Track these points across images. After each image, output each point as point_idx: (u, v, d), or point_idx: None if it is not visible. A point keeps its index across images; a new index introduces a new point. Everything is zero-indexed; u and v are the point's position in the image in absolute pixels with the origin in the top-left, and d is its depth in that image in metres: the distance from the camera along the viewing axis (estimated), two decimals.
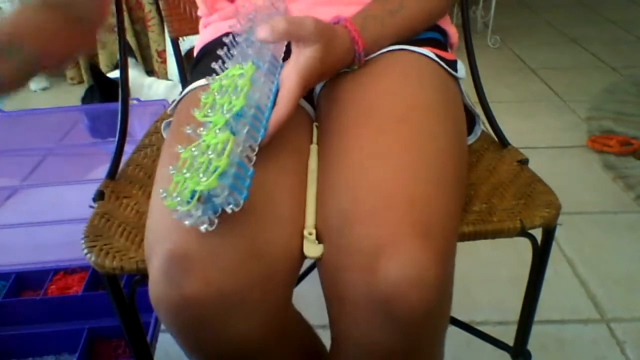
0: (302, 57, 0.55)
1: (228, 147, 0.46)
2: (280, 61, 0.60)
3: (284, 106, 0.53)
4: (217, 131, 0.47)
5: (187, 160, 0.47)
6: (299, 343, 0.62)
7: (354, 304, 0.48)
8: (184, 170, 0.45)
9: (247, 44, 0.56)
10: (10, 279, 1.13)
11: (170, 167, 0.46)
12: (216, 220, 0.45)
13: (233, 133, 0.48)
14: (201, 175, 0.44)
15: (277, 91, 0.55)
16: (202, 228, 0.44)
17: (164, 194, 0.44)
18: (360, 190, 0.50)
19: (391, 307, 0.46)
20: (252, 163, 0.48)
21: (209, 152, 0.46)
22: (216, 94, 0.52)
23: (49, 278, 1.13)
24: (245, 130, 0.49)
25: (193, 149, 0.47)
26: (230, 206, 0.44)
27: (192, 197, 0.43)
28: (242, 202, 0.45)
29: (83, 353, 0.96)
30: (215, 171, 0.44)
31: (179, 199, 0.44)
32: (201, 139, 0.48)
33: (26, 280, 1.15)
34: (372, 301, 0.46)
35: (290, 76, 0.54)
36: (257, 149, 0.50)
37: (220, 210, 0.45)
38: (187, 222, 0.44)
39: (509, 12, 3.13)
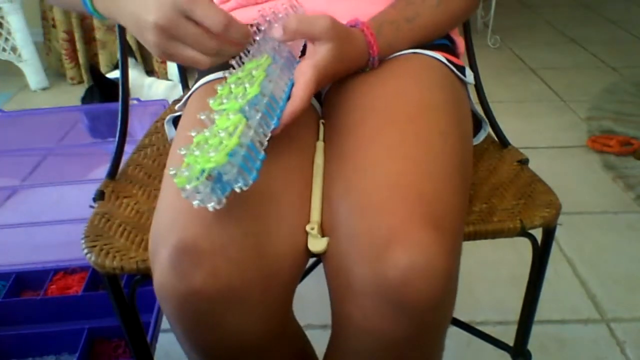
0: (317, 55, 0.55)
1: (239, 129, 0.47)
2: (297, 58, 0.61)
3: (298, 98, 0.53)
4: (230, 115, 0.48)
5: (199, 142, 0.47)
6: (294, 345, 0.62)
7: (360, 291, 0.48)
8: (194, 149, 0.46)
9: (263, 41, 0.57)
10: (10, 279, 1.13)
11: (182, 148, 0.46)
12: (224, 200, 0.45)
13: (246, 117, 0.48)
14: (211, 152, 0.45)
15: (293, 86, 0.55)
16: (210, 206, 0.44)
17: (173, 171, 0.44)
18: (370, 183, 0.51)
19: (398, 296, 0.46)
20: (264, 148, 0.49)
21: (220, 133, 0.46)
22: (232, 85, 0.52)
23: (49, 278, 1.13)
24: (258, 117, 0.49)
25: (205, 132, 0.47)
26: (239, 185, 0.45)
27: (201, 175, 0.44)
28: (251, 182, 0.46)
29: (83, 353, 0.96)
30: (225, 149, 0.45)
31: (186, 173, 0.44)
32: (214, 123, 0.48)
33: (26, 280, 1.15)
34: (380, 289, 0.47)
35: (306, 72, 0.54)
36: (269, 135, 0.51)
37: (229, 190, 0.45)
38: (195, 202, 0.44)
39: (509, 12, 3.13)
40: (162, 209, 0.54)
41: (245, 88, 0.51)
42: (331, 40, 0.55)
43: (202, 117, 0.49)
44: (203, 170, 0.44)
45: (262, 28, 0.58)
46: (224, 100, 0.51)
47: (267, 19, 0.59)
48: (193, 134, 0.47)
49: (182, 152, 0.46)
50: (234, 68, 0.55)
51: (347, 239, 0.49)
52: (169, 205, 0.52)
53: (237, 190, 0.45)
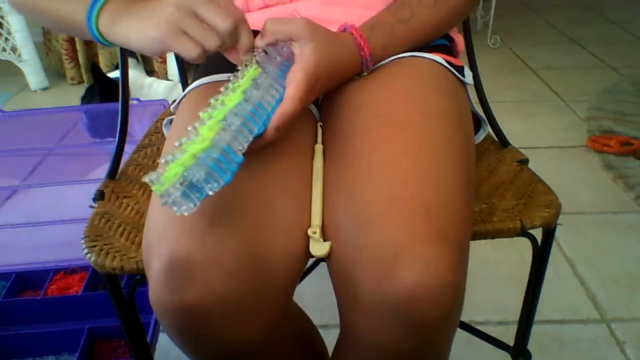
0: (303, 57, 0.54)
1: (213, 132, 0.47)
2: None
3: (288, 99, 0.52)
4: (206, 121, 0.48)
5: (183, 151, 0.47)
6: (298, 342, 0.62)
7: (367, 305, 0.48)
8: (170, 156, 0.45)
9: (260, 57, 0.57)
10: (10, 279, 1.13)
11: (162, 158, 0.46)
12: (198, 203, 0.44)
13: (225, 123, 0.48)
14: (177, 155, 0.45)
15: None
16: (183, 209, 0.44)
17: (147, 179, 0.44)
18: (374, 192, 0.50)
19: (406, 313, 0.45)
20: (243, 152, 0.48)
21: (193, 138, 0.46)
22: (220, 96, 0.52)
23: (49, 278, 1.13)
24: (238, 122, 0.49)
25: (184, 139, 0.47)
26: (209, 186, 0.44)
27: (174, 179, 0.44)
28: (223, 183, 0.45)
29: (83, 353, 0.96)
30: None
31: (154, 176, 0.43)
32: (197, 131, 0.48)
33: (26, 280, 1.15)
34: (387, 305, 0.46)
35: (295, 75, 0.53)
36: (250, 139, 0.50)
37: (204, 194, 0.45)
38: (174, 208, 0.44)
39: (509, 12, 3.13)
40: (152, 215, 0.53)
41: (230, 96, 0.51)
42: (311, 38, 0.55)
43: (189, 129, 0.48)
44: (177, 175, 0.44)
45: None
46: (209, 110, 0.51)
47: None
48: (177, 144, 0.47)
49: (162, 161, 0.46)
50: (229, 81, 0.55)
51: (352, 251, 0.49)
52: (159, 212, 0.52)
53: (209, 192, 0.45)
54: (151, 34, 0.52)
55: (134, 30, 0.54)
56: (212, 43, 0.52)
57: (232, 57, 0.57)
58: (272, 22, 0.56)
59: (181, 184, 0.44)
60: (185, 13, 0.51)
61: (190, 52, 0.51)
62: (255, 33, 0.57)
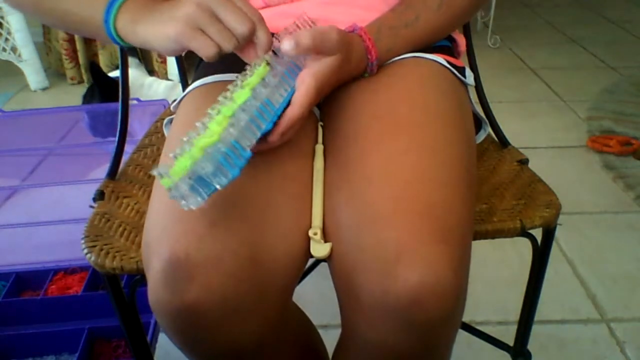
0: (320, 65, 0.54)
1: (222, 127, 0.47)
2: (302, 67, 0.60)
3: (297, 105, 0.53)
4: (214, 116, 0.48)
5: None
6: (296, 338, 0.62)
7: (369, 306, 0.48)
8: (178, 150, 0.45)
9: (266, 54, 0.57)
10: (10, 279, 1.13)
11: (169, 153, 0.46)
12: (206, 197, 0.45)
13: (233, 118, 0.48)
14: (186, 147, 0.45)
15: (294, 93, 0.55)
16: (191, 203, 0.44)
17: (156, 172, 0.44)
18: (376, 193, 0.50)
19: (408, 314, 0.45)
20: (251, 147, 0.49)
21: (202, 132, 0.47)
22: (229, 93, 0.53)
23: (49, 278, 1.13)
24: (247, 118, 0.49)
25: (193, 134, 0.47)
26: (217, 180, 0.45)
27: (182, 173, 0.44)
28: (231, 177, 0.45)
29: (83, 353, 0.96)
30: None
31: (163, 169, 0.44)
32: (205, 126, 0.49)
33: (26, 280, 1.15)
34: (389, 306, 0.46)
35: (306, 80, 0.53)
36: (259, 135, 0.50)
37: (213, 188, 0.45)
38: (182, 202, 0.44)
39: (509, 12, 3.13)
40: (152, 215, 0.53)
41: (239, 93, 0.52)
42: (337, 51, 0.55)
43: (198, 124, 0.49)
44: (186, 169, 0.44)
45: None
46: (217, 106, 0.51)
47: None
48: (185, 138, 0.47)
49: (170, 156, 0.46)
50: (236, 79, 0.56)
51: (354, 251, 0.49)
52: (159, 212, 0.52)
53: (217, 186, 0.45)
54: (169, 32, 0.52)
55: (152, 31, 0.54)
56: (229, 45, 0.52)
57: (244, 56, 0.57)
58: (310, 37, 0.53)
59: (190, 177, 0.44)
60: (204, 11, 0.51)
61: (207, 50, 0.51)
62: None
